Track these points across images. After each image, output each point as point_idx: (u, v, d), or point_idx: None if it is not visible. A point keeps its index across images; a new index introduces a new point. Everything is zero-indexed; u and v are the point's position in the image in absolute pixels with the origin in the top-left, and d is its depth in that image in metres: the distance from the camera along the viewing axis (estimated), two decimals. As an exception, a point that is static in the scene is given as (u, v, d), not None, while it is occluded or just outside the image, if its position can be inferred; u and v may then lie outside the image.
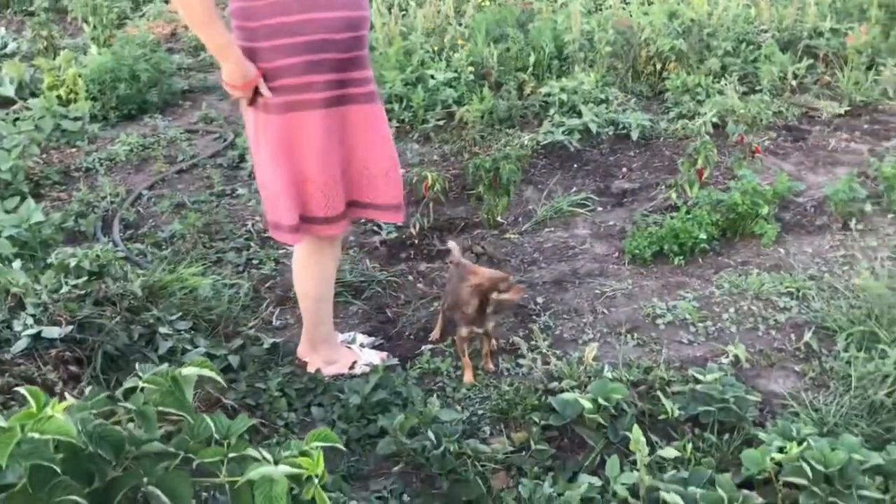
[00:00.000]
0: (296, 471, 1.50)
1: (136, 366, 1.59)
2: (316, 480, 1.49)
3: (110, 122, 6.03)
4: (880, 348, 3.00)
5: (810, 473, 2.31)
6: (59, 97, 5.86)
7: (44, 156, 5.30)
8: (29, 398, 1.44)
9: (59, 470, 1.38)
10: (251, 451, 1.57)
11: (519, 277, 3.86)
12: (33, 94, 6.18)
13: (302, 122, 2.61)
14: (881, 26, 6.47)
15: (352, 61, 2.65)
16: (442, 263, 4.02)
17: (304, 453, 1.52)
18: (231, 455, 1.57)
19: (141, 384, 1.56)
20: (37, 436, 1.33)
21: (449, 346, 3.30)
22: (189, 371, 1.59)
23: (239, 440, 1.60)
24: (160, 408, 1.55)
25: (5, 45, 8.09)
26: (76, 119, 5.65)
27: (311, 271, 2.95)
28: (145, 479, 1.54)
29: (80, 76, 6.02)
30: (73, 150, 5.47)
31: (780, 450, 2.40)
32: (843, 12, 6.80)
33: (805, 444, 2.40)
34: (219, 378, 1.64)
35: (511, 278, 3.05)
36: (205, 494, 1.68)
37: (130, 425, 1.71)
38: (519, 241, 4.25)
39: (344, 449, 1.65)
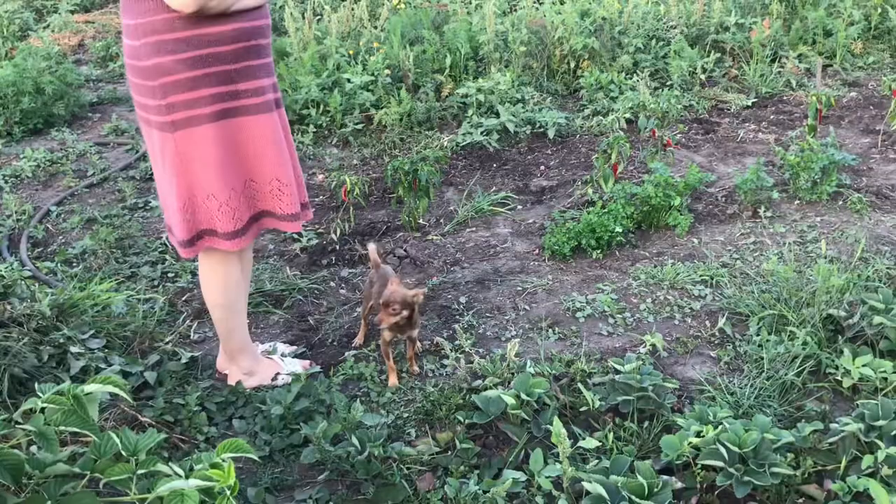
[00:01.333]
0: (207, 483, 1.46)
1: (36, 386, 1.53)
2: (228, 492, 1.46)
3: (15, 137, 5.81)
4: (789, 330, 3.10)
5: (726, 455, 2.38)
6: (-42, 113, 5.62)
7: (-57, 175, 5.08)
8: (-83, 426, 1.37)
9: (-49, 499, 1.31)
10: (161, 467, 1.53)
11: (442, 278, 3.87)
12: (-70, 111, 5.91)
13: (196, 138, 2.55)
14: (782, 20, 6.72)
15: (241, 72, 2.60)
16: (364, 268, 4.00)
17: (214, 465, 1.49)
18: (140, 472, 1.52)
19: (41, 404, 1.50)
20: (-77, 464, 1.27)
21: (373, 351, 3.29)
22: (92, 388, 1.54)
23: (148, 456, 1.55)
24: (64, 427, 1.49)
25: None
26: (-23, 135, 5.43)
27: (218, 280, 2.89)
28: (49, 503, 1.49)
29: (-20, 91, 5.79)
30: (-24, 167, 5.25)
31: (698, 434, 2.46)
32: (746, 7, 7.03)
33: (721, 426, 2.47)
34: (124, 393, 1.58)
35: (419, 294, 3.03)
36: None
37: (34, 447, 1.64)
38: (441, 243, 4.26)
39: (257, 458, 1.62)
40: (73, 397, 1.52)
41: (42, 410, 1.52)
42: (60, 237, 4.40)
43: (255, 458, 1.58)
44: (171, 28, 2.41)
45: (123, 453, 1.54)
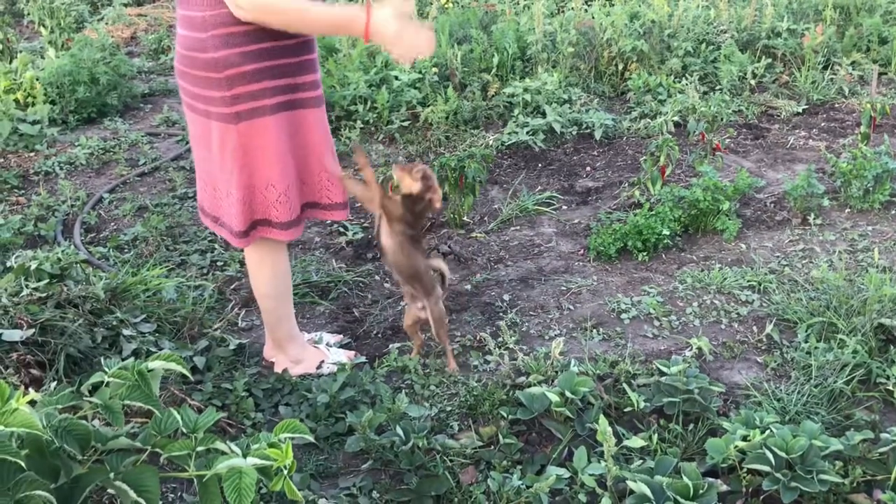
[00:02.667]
0: (265, 462, 1.49)
1: (102, 361, 1.58)
2: (285, 472, 1.49)
3: (70, 125, 5.94)
4: (839, 338, 3.06)
5: (773, 460, 2.36)
6: (16, 101, 5.76)
7: (1, 160, 5.21)
8: (-8, 392, 1.42)
9: (23, 465, 1.36)
10: (219, 445, 1.56)
11: (485, 275, 3.88)
12: (-11, 98, 6.07)
13: (259, 129, 2.60)
14: (836, 27, 6.62)
15: (302, 66, 2.64)
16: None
17: (272, 445, 1.52)
18: (199, 449, 1.56)
19: (107, 379, 1.55)
20: (1, 428, 1.31)
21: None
22: (156, 364, 1.58)
23: (207, 434, 1.59)
24: (126, 402, 1.53)
25: (-40, 50, 7.93)
26: (34, 123, 5.56)
27: (266, 270, 2.94)
28: (112, 475, 1.53)
29: (37, 80, 5.93)
30: (32, 154, 5.38)
31: (744, 438, 2.44)
32: (799, 13, 6.94)
33: (767, 431, 2.45)
34: (185, 371, 1.62)
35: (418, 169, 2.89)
36: (172, 493, 1.67)
37: (96, 421, 1.69)
38: (485, 240, 4.27)
39: (313, 440, 1.65)
40: (138, 373, 1.56)
41: (107, 385, 1.56)
42: (112, 224, 4.49)
43: (312, 439, 1.61)
44: (238, 21, 2.45)
45: (183, 430, 1.58)
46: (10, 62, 6.43)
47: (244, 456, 1.52)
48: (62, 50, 7.13)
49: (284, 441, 1.52)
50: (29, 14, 8.44)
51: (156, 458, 1.61)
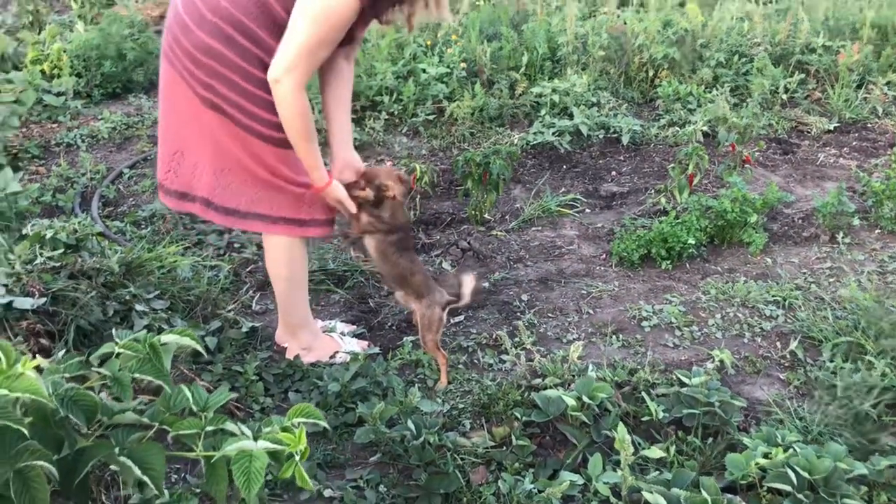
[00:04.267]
0: (276, 447, 1.43)
1: (113, 331, 1.52)
2: (297, 458, 1.42)
3: (94, 99, 5.91)
4: (867, 360, 2.97)
5: (795, 480, 2.28)
6: (42, 72, 5.74)
7: (23, 129, 5.19)
8: (-1, 355, 1.36)
9: (26, 433, 1.30)
10: (230, 426, 1.50)
11: (504, 274, 3.81)
12: (16, 68, 6.04)
13: None
14: (873, 46, 6.50)
15: None
16: (427, 256, 3.96)
17: (285, 429, 1.46)
18: (208, 429, 1.50)
19: (117, 350, 1.49)
20: (5, 392, 1.25)
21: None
22: (169, 338, 1.52)
23: (217, 414, 1.53)
24: (136, 376, 1.47)
25: (-10, 18, 7.93)
26: (59, 94, 5.54)
27: (282, 252, 2.89)
28: (117, 450, 1.47)
29: (65, 52, 5.91)
30: (55, 125, 5.35)
31: (765, 455, 2.37)
32: (835, 30, 6.83)
33: (790, 450, 2.37)
34: (199, 347, 1.56)
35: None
36: (175, 473, 1.61)
37: (103, 394, 1.63)
38: (505, 239, 4.20)
39: (327, 426, 1.58)
40: (150, 346, 1.50)
41: (117, 356, 1.51)
42: (131, 199, 4.45)
43: (326, 425, 1.55)
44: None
45: (193, 408, 1.52)
46: (39, 33, 6.41)
47: (255, 439, 1.46)
48: (91, 24, 7.10)
49: (298, 426, 1.46)
50: (60, -13, 8.44)
51: (163, 436, 1.55)
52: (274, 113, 2.50)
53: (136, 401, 1.67)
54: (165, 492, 1.44)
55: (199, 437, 1.50)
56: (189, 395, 1.52)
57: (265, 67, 2.45)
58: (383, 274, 2.96)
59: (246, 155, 2.62)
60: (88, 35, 6.14)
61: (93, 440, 1.52)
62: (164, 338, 1.52)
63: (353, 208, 2.76)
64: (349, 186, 2.79)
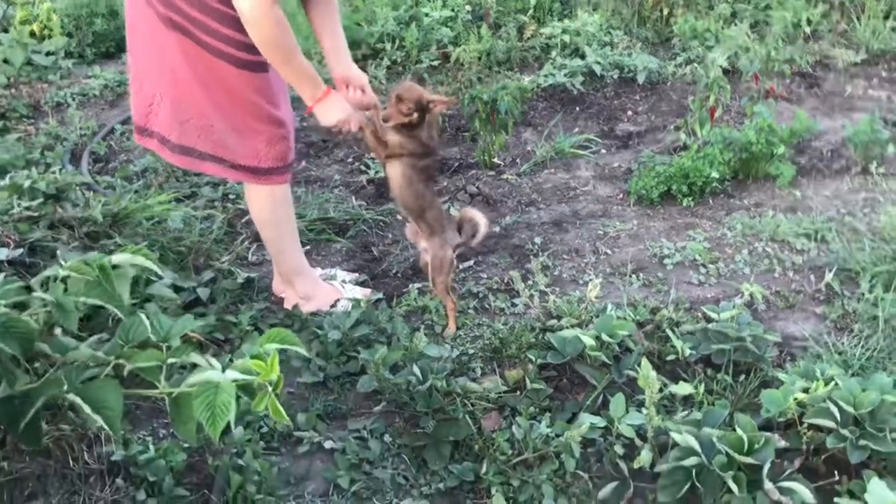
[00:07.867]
0: (245, 377, 1.23)
1: (58, 252, 1.32)
2: (270, 388, 1.23)
3: (86, 59, 5.69)
4: (910, 289, 2.75)
5: (838, 415, 2.07)
6: (31, 32, 5.52)
7: (12, 90, 4.98)
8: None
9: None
10: (195, 357, 1.30)
11: (515, 218, 3.60)
12: (4, 30, 5.83)
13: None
14: (900, -27, 6.15)
15: None
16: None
17: (256, 357, 1.26)
18: (171, 360, 1.30)
19: (61, 273, 1.29)
20: None
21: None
22: (120, 258, 1.31)
23: (182, 344, 1.33)
24: (85, 299, 1.27)
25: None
26: (49, 54, 5.33)
27: (264, 196, 2.70)
28: (66, 389, 1.28)
29: (54, 11, 5.68)
30: (45, 84, 5.15)
31: (804, 390, 2.16)
32: (860, -41, 6.47)
33: (832, 384, 2.15)
34: (154, 267, 1.36)
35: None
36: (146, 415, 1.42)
37: (58, 331, 1.44)
38: (516, 182, 3.97)
39: (305, 353, 1.38)
40: (100, 268, 1.30)
41: (63, 280, 1.31)
42: (122, 155, 4.25)
43: (304, 352, 1.36)
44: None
45: (153, 337, 1.32)
46: (28, -6, 6.18)
47: (223, 370, 1.26)
48: (81, -18, 6.85)
49: (271, 353, 1.26)
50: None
51: (121, 370, 1.35)
52: (241, 31, 2.27)
53: (95, 337, 1.47)
54: (121, 430, 1.25)
55: (160, 371, 1.30)
56: (148, 324, 1.32)
57: None
58: (404, 203, 2.70)
59: (216, 86, 2.40)
60: (78, -8, 5.91)
61: (44, 380, 1.33)
62: (116, 258, 1.31)
63: (356, 125, 2.52)
64: (396, 108, 2.52)
